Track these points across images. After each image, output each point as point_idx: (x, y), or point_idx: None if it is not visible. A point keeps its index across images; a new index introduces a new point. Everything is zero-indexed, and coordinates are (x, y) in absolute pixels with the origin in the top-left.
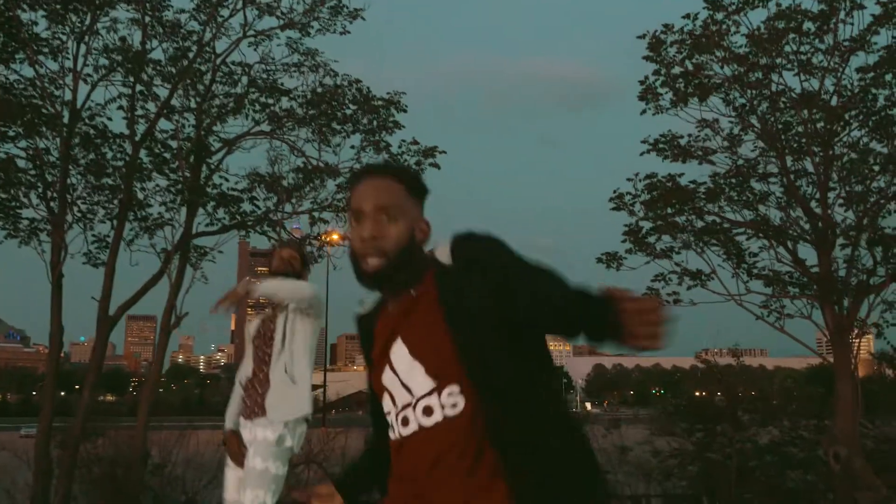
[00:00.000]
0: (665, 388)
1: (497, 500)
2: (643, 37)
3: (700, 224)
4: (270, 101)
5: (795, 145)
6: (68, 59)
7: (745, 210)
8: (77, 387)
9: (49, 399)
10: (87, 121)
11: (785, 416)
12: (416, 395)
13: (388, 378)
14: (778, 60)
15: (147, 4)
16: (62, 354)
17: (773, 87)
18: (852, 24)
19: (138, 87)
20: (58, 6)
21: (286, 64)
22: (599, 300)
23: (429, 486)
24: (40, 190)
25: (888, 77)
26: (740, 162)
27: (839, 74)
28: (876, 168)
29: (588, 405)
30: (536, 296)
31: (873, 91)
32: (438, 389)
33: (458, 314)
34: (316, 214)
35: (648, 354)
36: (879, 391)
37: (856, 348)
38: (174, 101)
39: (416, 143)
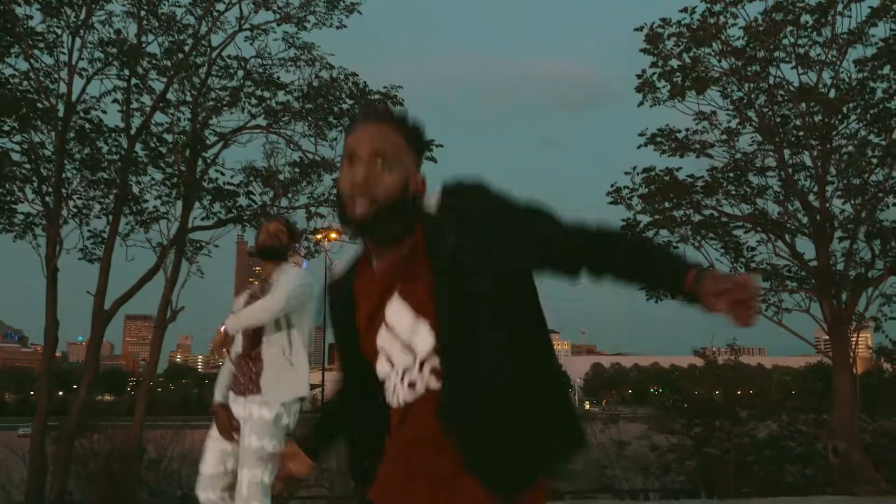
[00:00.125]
0: (663, 386)
1: None
2: (640, 29)
3: (698, 218)
4: (266, 94)
5: (793, 139)
6: (63, 53)
7: (742, 204)
8: (74, 386)
9: (44, 394)
10: (82, 114)
11: (783, 411)
12: (420, 353)
13: (384, 339)
14: (776, 54)
15: None
16: (59, 354)
17: (771, 80)
18: (850, 16)
19: (133, 81)
20: (52, 0)
21: (282, 58)
22: (667, 269)
23: (441, 448)
24: (35, 184)
25: (886, 69)
26: (738, 156)
27: (837, 67)
28: (874, 161)
29: (586, 404)
30: (543, 238)
31: (871, 84)
32: None
33: (441, 265)
34: (312, 209)
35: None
36: (878, 385)
37: (854, 342)
38: (170, 95)
39: None
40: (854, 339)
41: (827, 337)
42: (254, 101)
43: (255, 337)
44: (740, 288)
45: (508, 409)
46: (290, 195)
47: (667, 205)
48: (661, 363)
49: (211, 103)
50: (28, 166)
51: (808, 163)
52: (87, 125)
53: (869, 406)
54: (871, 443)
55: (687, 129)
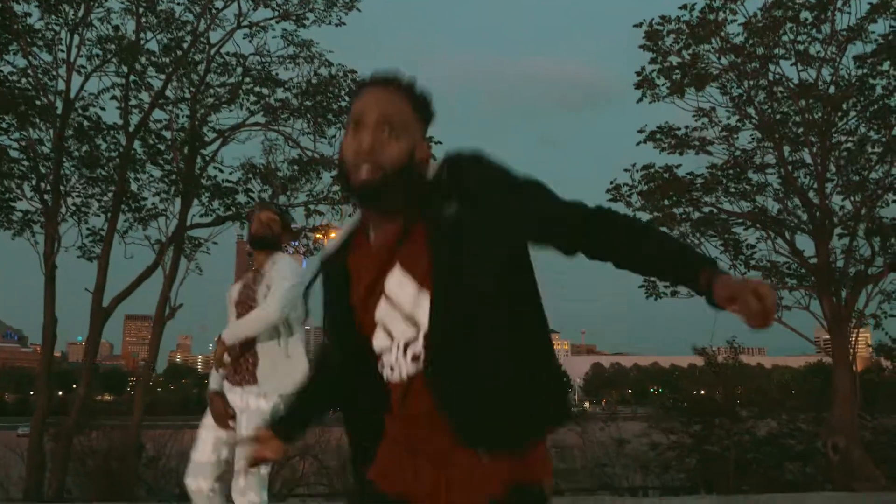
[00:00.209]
0: (663, 386)
1: None
2: (639, 25)
3: (697, 215)
4: (265, 91)
5: (792, 136)
6: (62, 50)
7: (742, 201)
8: (74, 386)
9: (43, 390)
10: (80, 111)
11: (783, 409)
12: (423, 325)
13: (383, 312)
14: (776, 51)
15: None
16: (59, 354)
17: (770, 77)
18: (849, 12)
19: (132, 78)
20: None
21: (281, 56)
22: (684, 269)
23: (442, 423)
24: (34, 182)
25: (886, 65)
26: (737, 153)
27: (836, 64)
28: (874, 158)
29: (587, 404)
30: (543, 209)
31: (871, 81)
32: None
33: (441, 236)
34: (311, 207)
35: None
36: (878, 382)
37: (854, 340)
38: (168, 92)
39: None
40: (854, 336)
41: (828, 336)
42: (252, 98)
43: None
44: (757, 296)
45: (499, 377)
46: (288, 192)
47: (666, 202)
48: (661, 363)
49: (210, 100)
50: (26, 163)
51: (808, 160)
52: (85, 122)
53: (869, 404)
54: (872, 440)
55: (686, 127)
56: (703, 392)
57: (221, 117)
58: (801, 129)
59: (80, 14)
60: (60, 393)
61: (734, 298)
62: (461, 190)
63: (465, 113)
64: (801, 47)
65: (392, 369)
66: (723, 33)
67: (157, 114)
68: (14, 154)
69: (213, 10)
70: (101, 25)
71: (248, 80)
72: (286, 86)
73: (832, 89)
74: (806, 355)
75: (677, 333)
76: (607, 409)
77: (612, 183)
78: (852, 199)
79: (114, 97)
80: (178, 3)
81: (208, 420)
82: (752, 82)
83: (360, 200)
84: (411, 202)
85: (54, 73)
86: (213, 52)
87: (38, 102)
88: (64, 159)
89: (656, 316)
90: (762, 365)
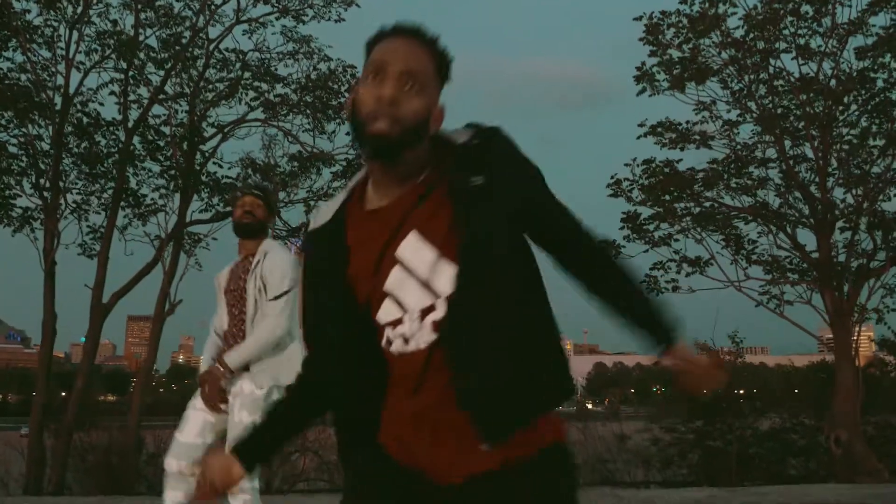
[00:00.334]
0: (666, 386)
1: None
2: (639, 19)
3: (698, 210)
4: (264, 86)
5: (793, 129)
6: (61, 46)
7: (743, 196)
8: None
9: (42, 385)
10: (79, 106)
11: (785, 406)
12: (442, 291)
13: (395, 280)
14: (776, 45)
15: None
16: (62, 355)
17: (771, 70)
18: (850, 6)
19: (131, 73)
20: None
21: (281, 52)
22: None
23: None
24: (33, 178)
25: (887, 58)
26: (738, 147)
27: (837, 58)
28: (875, 152)
29: (589, 404)
30: (562, 228)
31: (872, 74)
32: None
33: (465, 203)
34: (311, 203)
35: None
36: (881, 377)
37: (856, 334)
38: (167, 88)
39: None
40: (856, 330)
41: (831, 336)
42: (252, 93)
43: (241, 317)
44: (705, 376)
45: (510, 350)
46: (288, 189)
47: (667, 197)
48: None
49: (210, 95)
50: (25, 160)
51: (809, 154)
52: (84, 119)
53: (871, 399)
54: (875, 435)
55: (687, 122)
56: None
57: (221, 113)
58: (801, 124)
59: (78, 10)
60: (64, 394)
61: (684, 371)
62: (488, 162)
63: (465, 113)
64: (801, 41)
65: (406, 340)
66: (723, 27)
67: (157, 109)
68: (13, 150)
69: (213, 6)
70: (99, 21)
71: (247, 74)
72: (285, 81)
73: (833, 83)
74: (809, 354)
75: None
76: (610, 408)
77: (612, 178)
78: (854, 192)
79: (112, 92)
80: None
81: (198, 402)
82: (752, 76)
83: (373, 154)
84: (424, 163)
85: (53, 69)
86: (212, 47)
87: (37, 99)
88: (63, 155)
89: None
90: (765, 364)
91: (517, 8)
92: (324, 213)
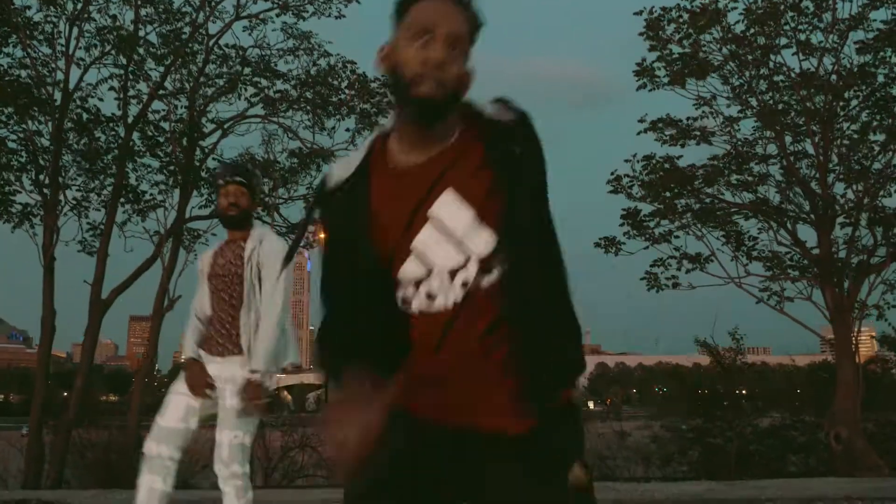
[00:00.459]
0: (667, 385)
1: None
2: (640, 13)
3: (698, 206)
4: (264, 82)
5: (794, 125)
6: (61, 42)
7: (744, 192)
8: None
9: (41, 381)
10: (79, 102)
11: (786, 408)
12: (475, 251)
13: (426, 238)
14: (777, 40)
15: None
16: (64, 355)
17: (771, 66)
18: (851, 1)
19: (130, 68)
20: None
21: (281, 49)
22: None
23: (484, 351)
24: (32, 174)
25: (888, 53)
26: (739, 144)
27: (838, 53)
28: (876, 147)
29: (591, 404)
30: (539, 232)
31: (873, 69)
32: None
33: (508, 169)
34: (311, 200)
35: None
36: (882, 374)
37: (856, 331)
38: (167, 83)
39: None
40: (857, 327)
41: (833, 336)
42: (252, 89)
43: (231, 302)
44: None
45: (556, 318)
46: (288, 185)
47: (667, 194)
48: (666, 362)
49: (210, 90)
50: (25, 156)
51: (810, 150)
52: (84, 115)
53: (872, 396)
54: (875, 432)
55: (688, 118)
56: (706, 392)
57: (220, 109)
58: (802, 119)
59: (78, 6)
60: (66, 394)
61: None
62: (523, 137)
63: None
64: (802, 36)
65: (431, 297)
66: (724, 22)
67: (156, 105)
68: (13, 146)
69: (213, 3)
70: (99, 17)
71: (247, 70)
72: (285, 77)
73: (834, 79)
74: (811, 354)
75: (680, 333)
76: (612, 407)
77: (612, 174)
78: (854, 188)
79: (112, 88)
80: None
81: (181, 387)
82: (753, 72)
83: (418, 115)
84: (460, 127)
85: (53, 65)
86: (211, 43)
87: (36, 95)
88: (63, 151)
89: (659, 316)
90: (766, 363)
91: (517, 8)
92: (341, 168)
